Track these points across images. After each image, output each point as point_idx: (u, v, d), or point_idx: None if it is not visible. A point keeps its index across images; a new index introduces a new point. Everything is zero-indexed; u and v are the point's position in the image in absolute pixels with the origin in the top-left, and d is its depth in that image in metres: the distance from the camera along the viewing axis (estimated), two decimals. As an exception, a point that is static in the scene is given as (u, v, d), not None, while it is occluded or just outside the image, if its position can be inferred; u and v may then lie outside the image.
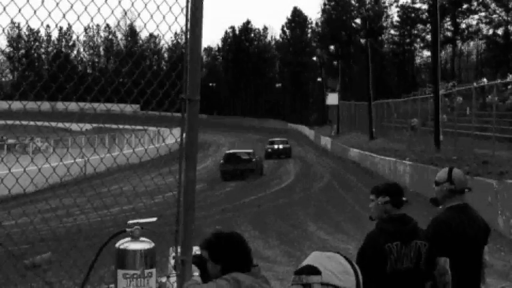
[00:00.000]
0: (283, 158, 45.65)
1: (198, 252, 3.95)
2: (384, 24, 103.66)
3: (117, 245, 3.40)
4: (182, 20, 4.10)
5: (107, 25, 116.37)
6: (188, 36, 4.08)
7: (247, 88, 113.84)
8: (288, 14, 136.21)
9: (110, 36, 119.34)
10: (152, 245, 3.40)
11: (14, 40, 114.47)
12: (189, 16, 4.06)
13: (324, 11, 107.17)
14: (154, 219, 3.56)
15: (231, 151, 39.96)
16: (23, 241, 13.97)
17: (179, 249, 4.19)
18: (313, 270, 1.97)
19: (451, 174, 4.95)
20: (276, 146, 48.14)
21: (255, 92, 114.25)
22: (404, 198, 4.65)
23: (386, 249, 4.42)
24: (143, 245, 3.37)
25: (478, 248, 4.92)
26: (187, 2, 4.06)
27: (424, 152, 28.91)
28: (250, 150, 39.17)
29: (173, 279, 4.42)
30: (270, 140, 50.91)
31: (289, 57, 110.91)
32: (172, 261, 4.41)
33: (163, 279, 4.61)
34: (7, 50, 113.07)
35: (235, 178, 34.12)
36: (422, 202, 15.92)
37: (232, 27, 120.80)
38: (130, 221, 3.44)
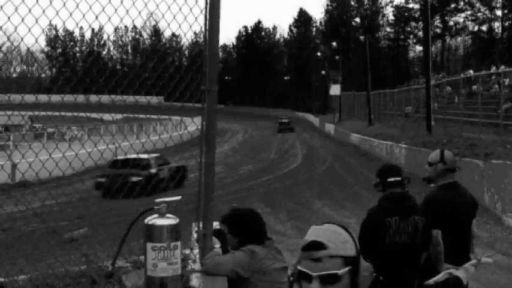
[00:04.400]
0: (289, 132, 61.97)
1: (218, 227, 3.95)
2: (380, 22, 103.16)
3: (146, 221, 3.41)
4: (201, 20, 4.08)
5: (134, 26, 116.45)
6: (207, 34, 4.06)
7: (258, 80, 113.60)
8: (295, 14, 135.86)
9: (137, 36, 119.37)
10: (177, 220, 3.40)
11: (52, 40, 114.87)
12: (207, 16, 4.03)
13: (326, 11, 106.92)
14: (178, 197, 3.55)
15: (281, 120, 67.77)
16: (62, 218, 14.06)
17: (201, 224, 4.19)
18: (320, 246, 1.90)
19: (443, 155, 4.91)
20: (283, 121, 68.30)
21: (264, 84, 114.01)
22: (392, 179, 4.56)
23: (386, 224, 4.39)
24: (169, 220, 3.36)
25: (467, 221, 4.88)
26: (206, 3, 4.04)
27: (417, 136, 28.72)
28: (288, 120, 68.24)
29: (196, 251, 4.42)
30: (281, 117, 71.65)
31: (294, 52, 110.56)
32: (195, 235, 4.41)
33: (187, 251, 4.61)
34: (46, 49, 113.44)
35: (283, 132, 61.24)
36: (415, 181, 15.80)
37: (245, 27, 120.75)
38: (157, 200, 3.44)
